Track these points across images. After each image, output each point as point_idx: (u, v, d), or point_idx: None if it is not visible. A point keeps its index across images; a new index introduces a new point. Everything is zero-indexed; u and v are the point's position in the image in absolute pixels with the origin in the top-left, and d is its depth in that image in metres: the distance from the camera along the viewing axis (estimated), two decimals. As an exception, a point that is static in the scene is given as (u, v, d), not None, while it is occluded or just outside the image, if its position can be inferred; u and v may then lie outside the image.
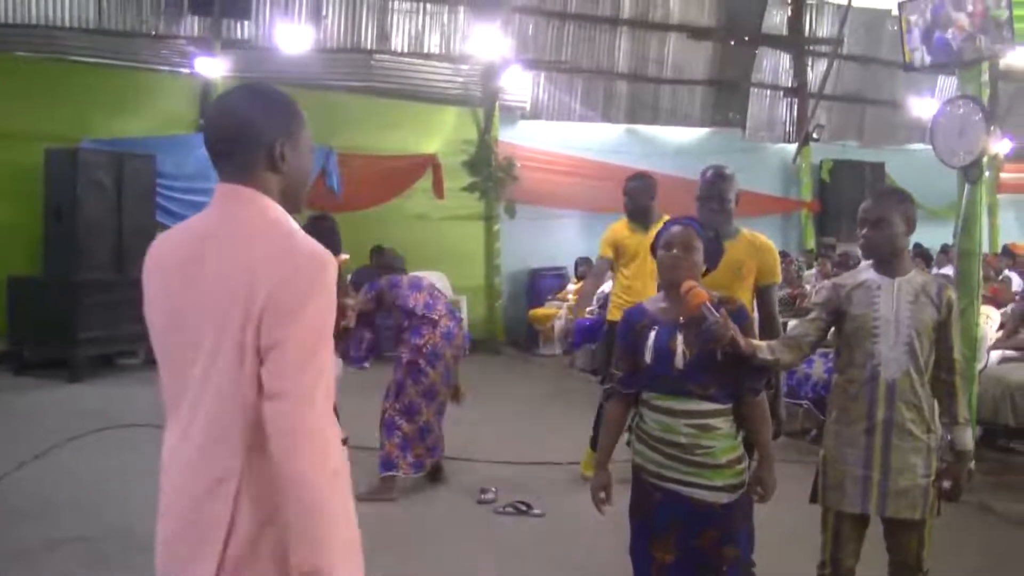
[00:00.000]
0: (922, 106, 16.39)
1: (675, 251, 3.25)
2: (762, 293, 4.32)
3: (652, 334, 3.23)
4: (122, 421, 7.39)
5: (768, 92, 16.89)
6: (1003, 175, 13.83)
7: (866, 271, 3.43)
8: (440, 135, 13.06)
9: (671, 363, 3.18)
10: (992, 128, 5.73)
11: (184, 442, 1.89)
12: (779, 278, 4.39)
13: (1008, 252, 12.79)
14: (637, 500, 3.36)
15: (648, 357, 3.23)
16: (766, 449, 3.32)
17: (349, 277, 11.43)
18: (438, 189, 12.85)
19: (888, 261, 3.37)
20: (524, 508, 5.55)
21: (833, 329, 3.49)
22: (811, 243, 15.91)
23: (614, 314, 5.76)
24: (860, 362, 3.34)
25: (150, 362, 9.39)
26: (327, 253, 1.88)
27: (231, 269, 1.83)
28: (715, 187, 4.29)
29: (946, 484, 3.35)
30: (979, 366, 6.34)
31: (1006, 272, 11.10)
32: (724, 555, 3.22)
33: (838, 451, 3.41)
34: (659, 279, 3.40)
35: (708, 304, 3.12)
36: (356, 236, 11.57)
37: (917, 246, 14.30)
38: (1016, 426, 6.58)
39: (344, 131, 11.98)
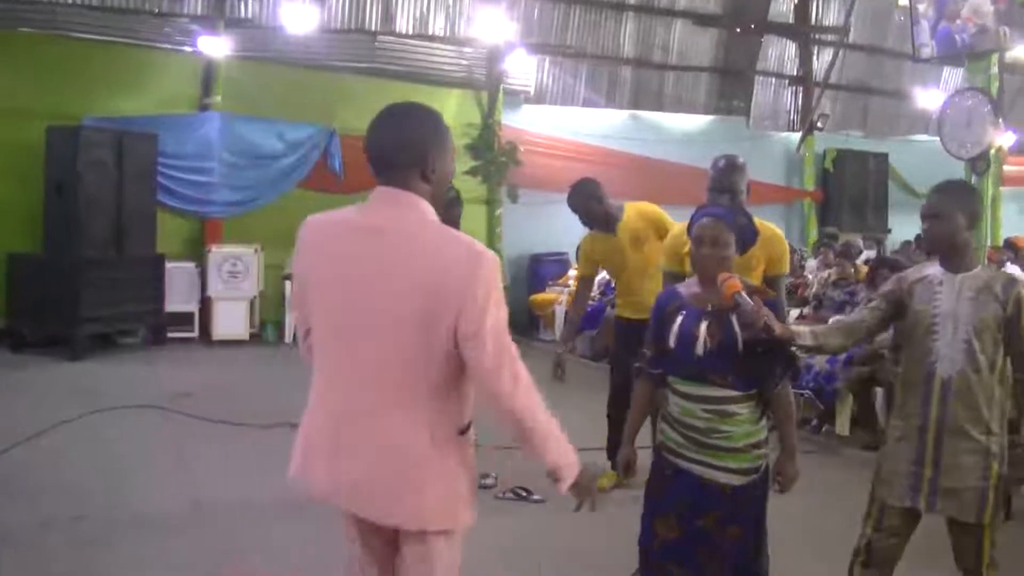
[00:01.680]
0: (927, 97, 16.33)
1: (705, 249, 3.29)
2: (770, 283, 4.24)
3: (679, 318, 3.30)
4: (121, 401, 7.40)
5: (773, 80, 16.81)
6: (1006, 168, 13.73)
7: (931, 266, 3.35)
8: (443, 118, 12.96)
9: (692, 349, 3.23)
10: (999, 120, 5.69)
11: (364, 399, 2.32)
12: (787, 268, 4.38)
13: (1010, 245, 12.74)
14: (653, 477, 3.43)
15: (672, 341, 3.30)
16: (789, 440, 3.35)
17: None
18: (440, 172, 12.76)
19: (950, 256, 3.27)
20: (524, 494, 5.54)
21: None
22: (813, 232, 15.87)
23: (622, 311, 5.74)
24: (918, 358, 3.27)
25: (150, 342, 9.42)
26: (486, 251, 2.30)
27: (420, 267, 2.24)
28: (726, 179, 4.25)
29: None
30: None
31: (1008, 265, 11.07)
32: (726, 533, 3.25)
33: (894, 446, 3.34)
34: (694, 270, 3.44)
35: (742, 292, 3.14)
36: (357, 218, 11.60)
37: (919, 238, 14.27)
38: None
39: (347, 113, 11.91)
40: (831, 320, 5.33)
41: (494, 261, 2.28)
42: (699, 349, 3.22)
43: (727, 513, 3.25)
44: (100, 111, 10.55)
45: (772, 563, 3.40)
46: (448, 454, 2.36)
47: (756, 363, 3.23)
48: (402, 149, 2.36)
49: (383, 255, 2.28)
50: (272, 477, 5.70)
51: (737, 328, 3.20)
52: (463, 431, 2.42)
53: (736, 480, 3.24)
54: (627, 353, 4.37)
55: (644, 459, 3.59)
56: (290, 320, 11.19)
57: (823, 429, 7.31)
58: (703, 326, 3.24)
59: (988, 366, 3.16)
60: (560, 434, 2.41)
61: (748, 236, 3.44)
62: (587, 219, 5.73)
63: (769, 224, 4.33)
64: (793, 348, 3.27)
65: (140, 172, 10.33)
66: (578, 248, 12.36)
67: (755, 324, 3.10)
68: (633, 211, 5.59)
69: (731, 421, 3.23)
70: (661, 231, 5.26)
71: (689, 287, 3.41)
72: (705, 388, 3.24)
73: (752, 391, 3.26)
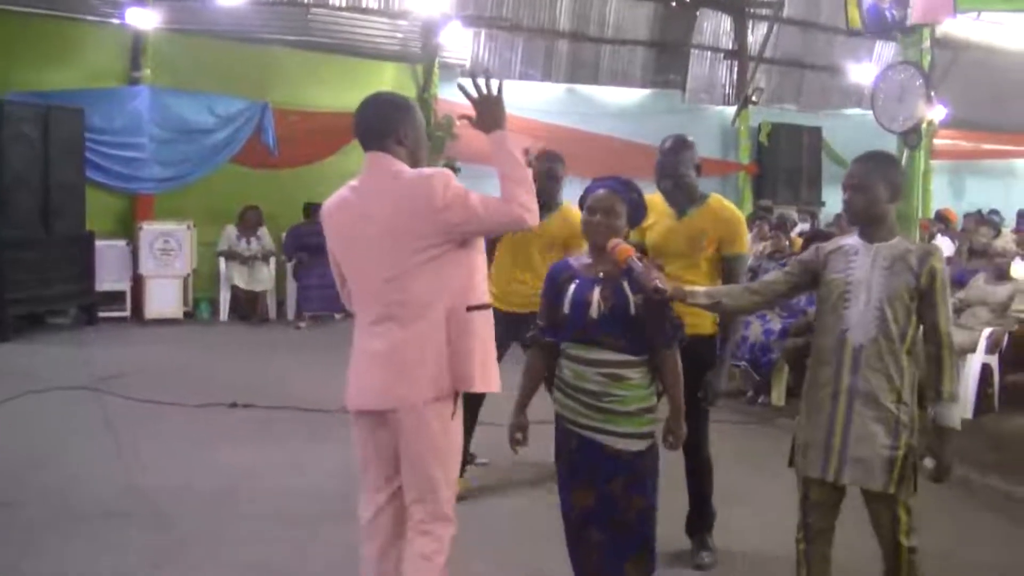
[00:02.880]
0: (859, 71, 16.55)
1: (597, 217, 3.39)
2: (726, 263, 4.15)
3: (572, 287, 3.39)
4: (52, 382, 7.25)
5: (708, 54, 16.90)
6: (937, 141, 13.99)
7: (850, 236, 3.36)
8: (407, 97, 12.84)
9: (586, 313, 3.33)
10: (931, 94, 5.78)
11: (393, 317, 2.94)
12: (745, 248, 4.22)
13: (941, 217, 13.02)
14: (558, 445, 3.51)
15: (567, 307, 3.38)
16: (677, 401, 3.42)
17: (284, 236, 11.35)
18: (377, 147, 12.65)
19: (868, 226, 3.27)
20: (469, 457, 5.54)
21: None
22: (748, 206, 16.03)
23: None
24: (831, 327, 3.27)
25: (81, 322, 9.24)
26: (439, 170, 3.00)
27: (394, 200, 2.93)
28: (668, 163, 4.13)
29: (927, 463, 3.20)
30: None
31: (939, 237, 11.30)
32: (632, 504, 3.37)
33: (807, 416, 3.34)
34: (585, 240, 3.54)
35: (633, 256, 3.23)
36: (292, 194, 11.46)
37: (851, 209, 14.51)
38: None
39: (280, 86, 11.76)
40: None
41: (442, 172, 2.95)
42: (593, 313, 3.31)
43: (631, 480, 3.36)
44: (24, 85, 10.24)
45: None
46: (455, 332, 2.96)
47: (647, 326, 3.32)
48: (379, 122, 3.06)
49: (366, 207, 2.99)
50: (208, 458, 5.66)
51: (629, 292, 3.29)
52: (471, 308, 3.00)
53: (633, 445, 3.35)
54: None
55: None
56: (225, 298, 11.05)
57: (759, 400, 7.42)
58: (596, 291, 3.34)
59: (899, 336, 3.17)
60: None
61: (638, 212, 3.53)
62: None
63: (726, 203, 4.24)
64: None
65: (67, 148, 10.07)
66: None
67: (646, 286, 3.18)
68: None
69: (623, 385, 3.32)
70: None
71: (579, 260, 3.50)
72: (598, 352, 3.33)
73: (644, 356, 3.36)
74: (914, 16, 5.81)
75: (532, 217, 2.92)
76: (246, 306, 11.21)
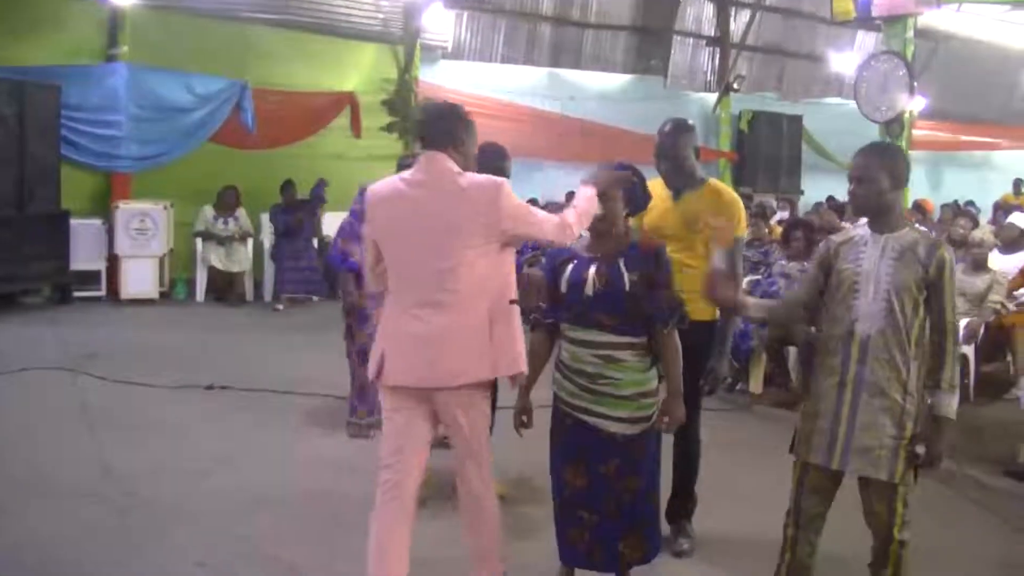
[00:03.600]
0: (841, 61, 16.58)
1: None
2: None
3: (570, 267, 3.49)
4: (25, 362, 7.17)
5: (691, 41, 16.90)
6: (915, 132, 14.06)
7: (860, 227, 3.38)
8: (359, 72, 12.78)
9: (582, 291, 3.42)
10: (913, 84, 5.79)
11: (442, 303, 3.23)
12: (742, 232, 4.22)
13: (918, 208, 13.05)
14: (554, 426, 3.59)
15: (564, 287, 3.49)
16: (675, 383, 3.46)
17: (267, 215, 11.26)
18: (356, 128, 12.62)
19: (876, 217, 3.30)
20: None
21: None
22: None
23: None
24: (840, 317, 3.28)
25: (56, 301, 9.13)
26: (502, 180, 3.32)
27: (459, 200, 3.24)
28: (666, 144, 4.14)
29: (919, 450, 3.20)
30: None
31: (916, 226, 11.34)
32: (627, 485, 3.42)
33: (813, 404, 3.35)
34: None
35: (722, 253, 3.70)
36: (270, 175, 11.36)
37: (830, 199, 14.55)
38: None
39: (260, 65, 11.65)
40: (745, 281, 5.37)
41: (505, 182, 3.28)
42: (588, 290, 3.40)
43: (625, 462, 3.41)
44: (-1, 61, 10.10)
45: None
46: (497, 321, 3.29)
47: (643, 305, 3.40)
48: (447, 126, 3.37)
49: (427, 202, 3.27)
50: (183, 439, 5.62)
51: (624, 270, 3.39)
52: (512, 301, 3.36)
53: (627, 429, 3.40)
54: None
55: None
56: (201, 278, 10.97)
57: (737, 387, 7.43)
58: (592, 269, 3.43)
59: (907, 327, 3.18)
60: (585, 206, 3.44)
61: (638, 199, 3.61)
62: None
63: (723, 186, 4.26)
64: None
65: (43, 125, 9.94)
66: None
67: (715, 290, 3.35)
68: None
69: (618, 367, 3.40)
70: None
71: (580, 242, 3.54)
72: (594, 333, 3.42)
73: (640, 338, 3.42)
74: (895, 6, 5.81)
75: (572, 238, 3.39)
76: (223, 287, 11.13)
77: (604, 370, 3.39)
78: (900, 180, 3.28)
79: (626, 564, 3.52)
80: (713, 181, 4.25)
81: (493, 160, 5.10)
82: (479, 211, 3.22)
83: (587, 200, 3.41)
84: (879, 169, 3.24)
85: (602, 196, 3.46)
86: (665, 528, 4.21)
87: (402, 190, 3.34)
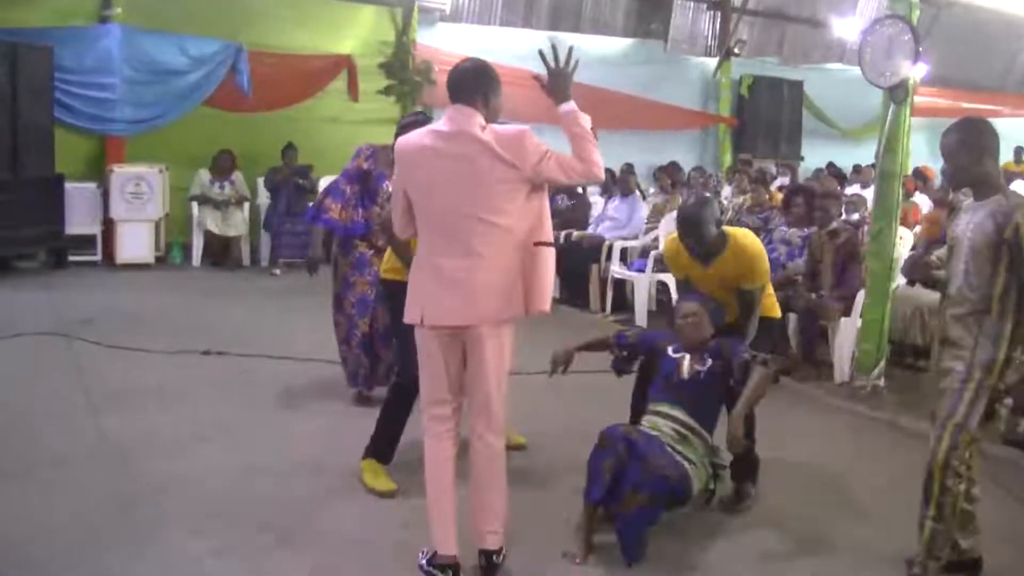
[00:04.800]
0: (843, 25, 16.42)
1: (689, 320, 4.18)
2: (744, 294, 4.44)
3: (670, 348, 4.21)
4: (20, 327, 7.13)
5: (691, 5, 16.71)
6: (916, 98, 13.95)
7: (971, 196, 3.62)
8: (356, 35, 12.64)
9: (675, 374, 4.09)
10: (919, 50, 5.71)
11: (473, 247, 3.38)
12: (762, 281, 4.46)
13: (919, 174, 12.96)
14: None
15: (661, 369, 4.16)
16: (742, 407, 3.91)
17: (262, 179, 11.18)
18: (353, 91, 12.50)
19: (973, 188, 3.53)
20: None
21: None
22: (728, 158, 15.97)
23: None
24: (946, 278, 3.57)
25: (49, 266, 9.07)
26: (526, 127, 3.46)
27: (489, 148, 3.36)
28: (690, 227, 4.36)
29: (1008, 402, 3.71)
30: (892, 285, 6.40)
31: (917, 194, 11.26)
32: (635, 499, 3.67)
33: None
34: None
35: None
36: (266, 138, 11.27)
37: (831, 165, 14.46)
38: (924, 345, 6.65)
39: (255, 27, 11.51)
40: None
41: (528, 130, 3.41)
42: (684, 373, 4.06)
43: (639, 482, 3.70)
44: (-9, 22, 9.97)
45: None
46: (528, 262, 3.46)
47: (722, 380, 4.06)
48: (475, 80, 3.52)
49: (458, 151, 3.40)
50: (179, 405, 5.59)
51: (710, 362, 4.06)
52: (539, 243, 3.47)
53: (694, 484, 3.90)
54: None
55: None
56: (198, 243, 10.91)
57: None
58: (687, 358, 4.10)
59: (980, 287, 3.40)
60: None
61: (715, 317, 4.25)
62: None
63: (743, 240, 4.45)
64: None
65: (35, 87, 9.84)
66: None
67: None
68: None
69: (689, 447, 3.92)
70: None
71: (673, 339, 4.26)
72: (674, 409, 3.99)
73: (708, 429, 4.01)
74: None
75: (600, 171, 3.44)
76: (219, 252, 11.08)
77: (676, 444, 3.89)
78: (982, 151, 3.47)
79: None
80: (733, 237, 4.44)
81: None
82: (506, 157, 3.35)
83: (586, 130, 3.48)
84: (960, 145, 3.47)
85: (695, 324, 4.15)
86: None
87: (431, 141, 3.47)
